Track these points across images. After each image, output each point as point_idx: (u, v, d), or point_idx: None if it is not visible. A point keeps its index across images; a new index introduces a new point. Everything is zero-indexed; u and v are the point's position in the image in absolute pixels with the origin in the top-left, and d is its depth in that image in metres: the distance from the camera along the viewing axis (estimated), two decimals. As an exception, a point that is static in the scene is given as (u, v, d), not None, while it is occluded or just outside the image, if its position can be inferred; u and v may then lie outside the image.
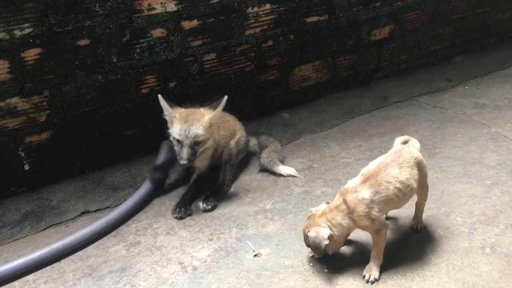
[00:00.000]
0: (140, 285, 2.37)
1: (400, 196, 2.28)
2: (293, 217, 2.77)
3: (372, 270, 2.29)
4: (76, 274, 2.47)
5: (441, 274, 2.30)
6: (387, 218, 2.68)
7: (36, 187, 3.15)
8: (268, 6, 3.70)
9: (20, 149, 3.05)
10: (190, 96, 3.58)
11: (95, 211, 2.97)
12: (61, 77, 3.06)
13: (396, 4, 4.35)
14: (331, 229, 2.23)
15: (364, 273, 2.31)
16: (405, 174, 2.29)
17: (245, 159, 3.41)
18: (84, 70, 3.12)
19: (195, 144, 2.78)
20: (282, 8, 3.77)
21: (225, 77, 3.70)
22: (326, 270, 2.37)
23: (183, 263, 2.50)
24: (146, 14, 3.22)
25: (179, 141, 2.79)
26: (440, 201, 2.82)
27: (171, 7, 3.29)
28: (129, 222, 2.86)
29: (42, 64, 2.97)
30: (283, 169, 3.18)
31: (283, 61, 3.95)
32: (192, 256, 2.54)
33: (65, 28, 2.98)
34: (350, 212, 2.23)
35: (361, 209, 2.22)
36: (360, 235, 2.52)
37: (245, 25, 3.65)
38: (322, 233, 2.22)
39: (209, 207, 2.89)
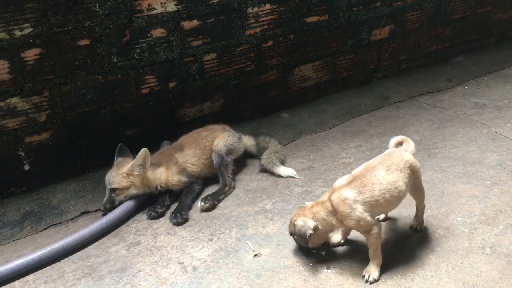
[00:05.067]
0: (140, 285, 2.37)
1: (388, 197, 2.27)
2: (293, 217, 2.77)
3: (371, 271, 2.29)
4: (76, 274, 2.47)
5: (441, 274, 2.30)
6: (387, 218, 2.68)
7: (36, 187, 3.15)
8: (268, 6, 3.70)
9: (20, 149, 3.05)
10: (190, 96, 3.59)
11: (95, 211, 2.98)
12: (61, 77, 3.06)
13: (396, 4, 4.35)
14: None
15: (363, 273, 2.31)
16: (392, 177, 2.28)
17: (244, 159, 3.41)
18: (84, 70, 3.12)
19: (113, 191, 2.89)
20: (282, 8, 3.77)
21: (225, 77, 3.70)
22: (326, 270, 2.37)
23: (183, 263, 2.50)
24: (146, 14, 3.22)
25: None
26: (440, 201, 2.82)
27: (171, 7, 3.29)
28: (129, 222, 2.86)
29: (42, 64, 2.97)
30: (283, 170, 3.17)
31: (283, 61, 3.95)
32: (192, 256, 2.54)
33: (65, 28, 2.98)
34: (334, 211, 2.25)
35: (343, 209, 2.23)
36: (360, 234, 2.52)
37: (245, 25, 3.65)
38: (308, 223, 2.27)
39: (207, 205, 2.88)
